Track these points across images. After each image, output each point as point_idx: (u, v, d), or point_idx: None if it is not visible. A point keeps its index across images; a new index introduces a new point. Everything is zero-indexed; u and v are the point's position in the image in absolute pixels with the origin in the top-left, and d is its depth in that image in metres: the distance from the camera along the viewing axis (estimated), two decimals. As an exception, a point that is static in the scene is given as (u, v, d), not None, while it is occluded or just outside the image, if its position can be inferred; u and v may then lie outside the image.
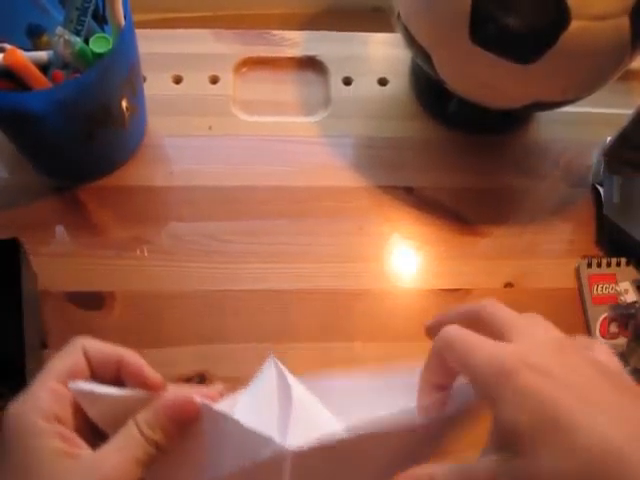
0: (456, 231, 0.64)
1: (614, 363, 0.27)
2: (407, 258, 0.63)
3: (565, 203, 0.66)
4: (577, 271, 0.62)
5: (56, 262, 0.59)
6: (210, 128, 0.66)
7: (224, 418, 0.30)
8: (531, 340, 0.27)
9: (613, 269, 0.62)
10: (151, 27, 0.69)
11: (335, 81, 0.70)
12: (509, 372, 0.25)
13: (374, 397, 0.32)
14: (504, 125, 0.69)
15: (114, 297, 0.58)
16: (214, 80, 0.69)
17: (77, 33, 0.55)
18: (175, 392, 0.31)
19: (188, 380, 0.55)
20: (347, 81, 0.70)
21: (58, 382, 0.31)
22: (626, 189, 0.64)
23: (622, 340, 0.59)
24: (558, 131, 0.69)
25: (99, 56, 0.54)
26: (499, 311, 0.30)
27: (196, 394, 0.31)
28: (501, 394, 0.25)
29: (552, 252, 0.64)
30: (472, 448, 0.56)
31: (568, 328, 0.62)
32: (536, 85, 0.55)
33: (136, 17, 0.55)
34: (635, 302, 0.61)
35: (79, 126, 0.56)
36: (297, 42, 0.71)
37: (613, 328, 0.60)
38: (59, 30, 0.53)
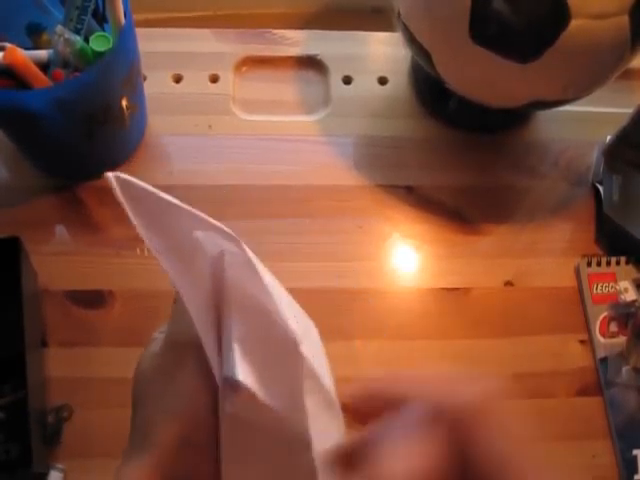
0: (456, 230, 0.64)
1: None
2: (407, 257, 0.63)
3: (565, 202, 0.66)
4: (577, 270, 0.62)
5: (56, 261, 0.59)
6: (210, 127, 0.66)
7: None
8: None
9: (613, 268, 0.62)
10: (151, 26, 0.69)
11: (335, 80, 0.70)
12: None
13: None
14: (504, 124, 0.69)
15: (114, 296, 0.58)
16: (214, 79, 0.69)
17: (77, 32, 0.55)
18: None
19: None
20: (347, 80, 0.70)
21: None
22: (626, 188, 0.64)
23: (622, 339, 0.59)
24: (558, 130, 0.69)
25: (99, 55, 0.54)
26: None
27: None
28: None
29: (552, 251, 0.64)
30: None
31: (568, 327, 0.62)
32: (536, 84, 0.55)
33: (136, 16, 0.55)
34: (635, 301, 0.61)
35: (79, 125, 0.56)
36: (297, 41, 0.71)
37: (613, 327, 0.60)
38: (59, 29, 0.53)
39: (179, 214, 0.30)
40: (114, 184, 0.28)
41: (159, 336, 0.34)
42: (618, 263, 0.62)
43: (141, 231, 0.29)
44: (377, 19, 0.75)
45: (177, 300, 0.35)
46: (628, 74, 0.66)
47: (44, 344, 0.56)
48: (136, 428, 0.31)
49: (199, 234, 0.32)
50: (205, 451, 0.30)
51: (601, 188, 0.65)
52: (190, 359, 0.31)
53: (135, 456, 0.30)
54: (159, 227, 0.30)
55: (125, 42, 0.54)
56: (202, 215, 0.31)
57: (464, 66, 0.56)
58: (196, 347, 0.30)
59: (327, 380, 0.32)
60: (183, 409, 0.30)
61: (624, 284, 0.61)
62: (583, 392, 0.58)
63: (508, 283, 0.62)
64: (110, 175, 0.28)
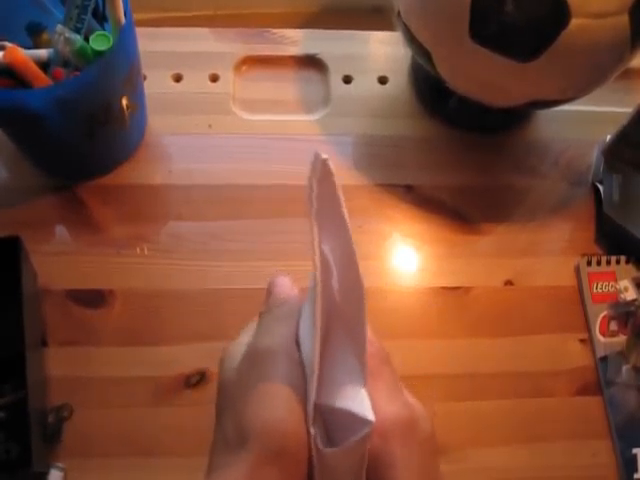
0: (456, 229, 0.64)
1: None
2: (407, 256, 0.63)
3: (565, 201, 0.66)
4: (577, 269, 0.62)
5: (56, 260, 0.59)
6: (210, 127, 0.66)
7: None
8: None
9: (613, 267, 0.62)
10: (151, 25, 0.69)
11: (335, 79, 0.70)
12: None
13: None
14: (504, 123, 0.69)
15: (114, 295, 0.58)
16: (214, 78, 0.69)
17: (77, 31, 0.54)
18: None
19: (188, 378, 0.55)
20: (347, 79, 0.70)
21: None
22: (626, 187, 0.64)
23: (622, 338, 0.59)
24: (558, 129, 0.69)
25: (99, 54, 0.54)
26: None
27: None
28: None
29: (552, 250, 0.64)
30: (470, 446, 0.57)
31: (568, 326, 0.63)
32: (536, 83, 0.55)
33: (136, 15, 0.55)
34: (635, 300, 0.61)
35: (79, 124, 0.56)
36: (297, 40, 0.71)
37: (613, 326, 0.60)
38: (59, 28, 0.53)
39: (342, 230, 0.31)
40: (318, 166, 0.27)
41: (238, 347, 0.33)
42: (618, 262, 0.62)
43: (314, 222, 0.29)
44: (377, 18, 0.75)
45: (263, 313, 0.34)
46: (628, 74, 0.66)
47: (44, 344, 0.56)
48: (228, 435, 0.30)
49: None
50: (298, 462, 0.29)
51: (601, 187, 0.65)
52: (278, 366, 0.30)
53: (235, 459, 0.28)
54: (326, 229, 0.30)
55: (125, 41, 0.54)
56: (354, 249, 0.31)
57: (464, 65, 0.56)
58: (284, 354, 0.30)
59: None
60: (279, 415, 0.29)
61: (624, 283, 0.61)
62: (583, 391, 0.58)
63: (508, 282, 0.62)
64: (321, 156, 0.27)
